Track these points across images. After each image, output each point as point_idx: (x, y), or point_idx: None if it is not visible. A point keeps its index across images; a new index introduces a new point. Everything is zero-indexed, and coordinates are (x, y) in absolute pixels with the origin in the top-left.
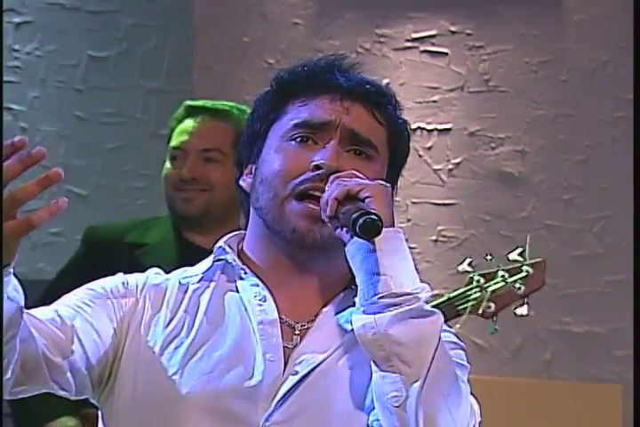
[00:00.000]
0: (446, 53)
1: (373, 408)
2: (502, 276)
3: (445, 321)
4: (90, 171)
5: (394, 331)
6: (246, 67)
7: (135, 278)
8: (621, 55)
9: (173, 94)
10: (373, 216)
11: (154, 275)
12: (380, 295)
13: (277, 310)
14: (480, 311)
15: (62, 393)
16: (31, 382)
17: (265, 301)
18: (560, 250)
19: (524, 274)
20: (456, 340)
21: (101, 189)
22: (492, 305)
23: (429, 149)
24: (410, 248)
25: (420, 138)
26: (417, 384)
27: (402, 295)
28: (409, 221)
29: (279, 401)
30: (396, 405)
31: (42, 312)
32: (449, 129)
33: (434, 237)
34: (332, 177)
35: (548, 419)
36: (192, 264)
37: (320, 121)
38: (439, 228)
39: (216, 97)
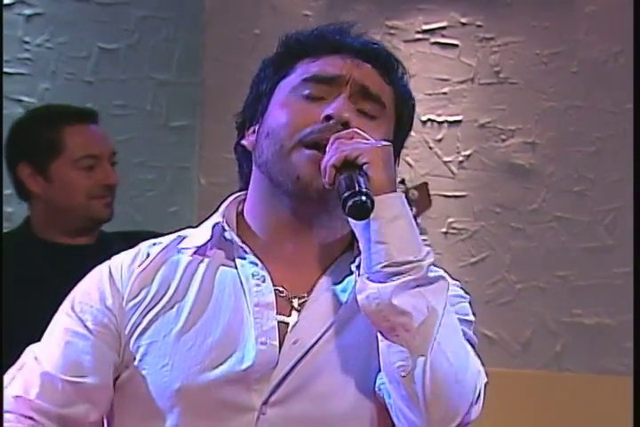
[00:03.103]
0: (457, 45)
1: (379, 371)
2: None
3: None
4: None
5: (398, 301)
6: (257, 59)
7: (111, 275)
8: (632, 47)
9: (184, 86)
10: (363, 197)
11: (139, 252)
12: (383, 264)
13: (274, 283)
14: None
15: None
16: None
17: (264, 281)
18: (570, 242)
19: (410, 197)
20: (461, 293)
21: None
22: None
23: (440, 140)
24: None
25: (431, 130)
26: (423, 356)
27: (405, 264)
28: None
29: (277, 384)
30: (403, 375)
31: (51, 395)
32: (459, 121)
33: (444, 229)
34: (332, 137)
35: (558, 411)
36: (57, 263)
37: (331, 75)
38: (449, 220)
39: (226, 89)
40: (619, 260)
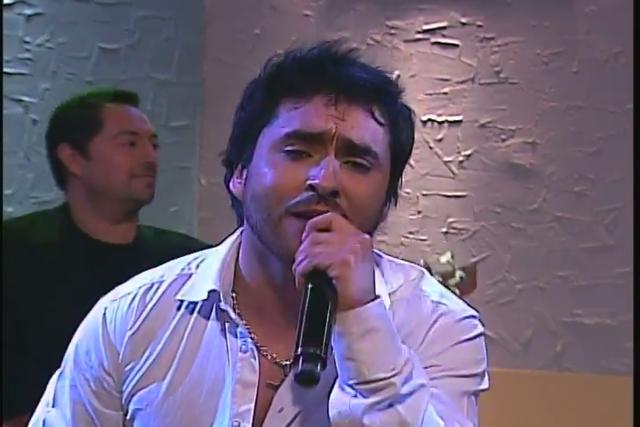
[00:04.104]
0: (457, 45)
1: None
2: (438, 281)
3: None
4: None
5: (369, 420)
6: (257, 59)
7: (107, 330)
8: (632, 47)
9: (184, 86)
10: (309, 367)
11: (136, 298)
12: (354, 381)
13: (262, 345)
14: None
15: None
16: None
17: (252, 357)
18: (571, 242)
19: (457, 280)
20: (473, 365)
21: None
22: None
23: (440, 140)
24: (420, 240)
25: (431, 130)
26: None
27: (377, 381)
28: (419, 213)
29: None
30: None
31: None
32: (459, 121)
33: (444, 229)
34: (308, 224)
35: (559, 411)
36: (95, 263)
37: (314, 131)
38: (450, 220)
39: (226, 89)
40: (619, 260)
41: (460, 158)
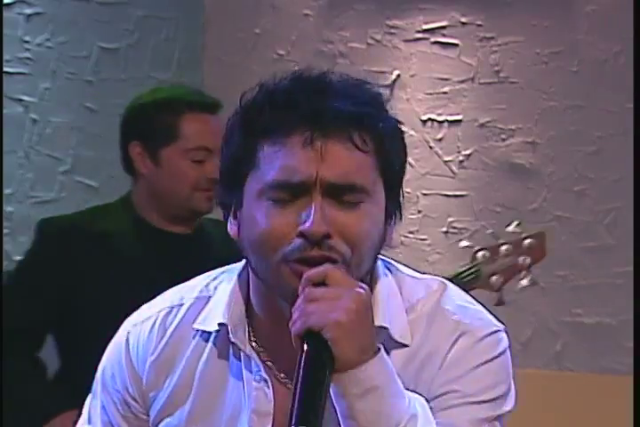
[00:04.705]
0: (457, 45)
1: None
2: (506, 249)
3: None
4: (101, 162)
5: None
6: (257, 58)
7: (130, 356)
8: (632, 46)
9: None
10: None
11: (156, 323)
12: None
13: (278, 378)
14: (488, 285)
15: None
16: None
17: (266, 386)
18: (571, 241)
19: (526, 246)
20: (493, 393)
21: (112, 180)
22: (499, 278)
23: (440, 140)
24: (420, 240)
25: (431, 129)
26: None
27: None
28: (419, 212)
29: None
30: None
31: None
32: (459, 120)
33: (444, 229)
34: (303, 278)
35: (559, 410)
36: (161, 251)
37: (295, 181)
38: (450, 219)
39: (226, 88)
40: (619, 259)
41: (460, 158)
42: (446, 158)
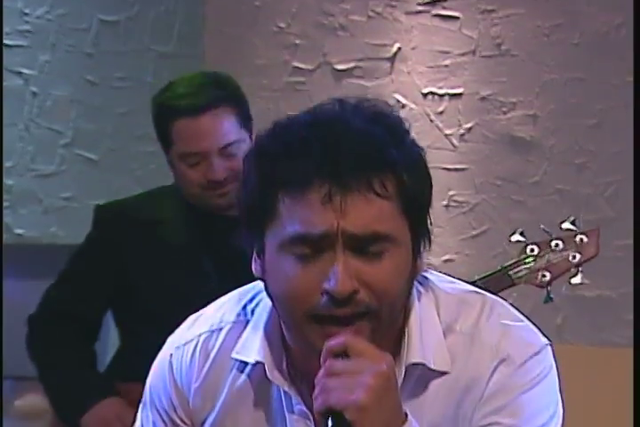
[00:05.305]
0: (458, 17)
1: None
2: (556, 244)
3: (500, 290)
4: (101, 135)
5: None
6: (257, 31)
7: (174, 379)
8: (633, 18)
9: (184, 59)
10: None
11: (198, 346)
12: None
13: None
14: (535, 281)
15: None
16: None
17: (307, 421)
18: (572, 214)
19: (577, 242)
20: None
21: (112, 153)
22: (547, 274)
23: (441, 113)
24: None
25: (432, 103)
26: None
27: None
28: None
29: None
30: None
31: None
32: (460, 93)
33: (445, 202)
34: (325, 348)
35: (560, 383)
36: (210, 235)
37: (317, 234)
38: (450, 193)
39: (227, 61)
40: (620, 232)
41: (461, 131)
42: (447, 132)
